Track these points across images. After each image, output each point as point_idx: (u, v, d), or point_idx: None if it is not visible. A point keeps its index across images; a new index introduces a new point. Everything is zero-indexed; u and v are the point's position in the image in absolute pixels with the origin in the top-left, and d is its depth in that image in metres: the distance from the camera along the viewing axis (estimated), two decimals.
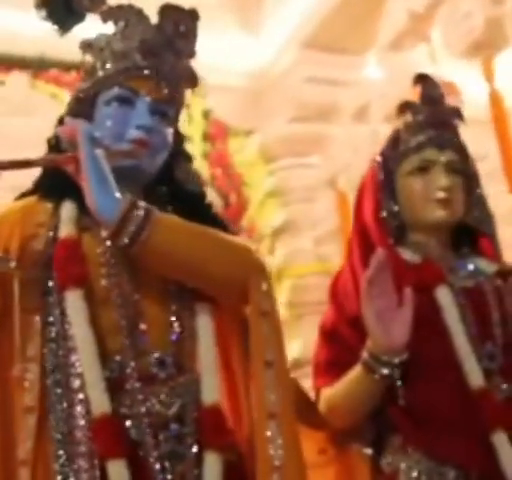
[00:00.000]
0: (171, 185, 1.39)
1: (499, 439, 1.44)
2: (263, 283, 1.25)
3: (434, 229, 1.63)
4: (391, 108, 4.52)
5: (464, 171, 1.66)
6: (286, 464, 1.15)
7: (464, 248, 1.69)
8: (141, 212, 1.18)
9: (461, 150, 1.68)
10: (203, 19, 1.39)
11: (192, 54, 1.39)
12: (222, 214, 1.45)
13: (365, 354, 1.46)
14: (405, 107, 1.70)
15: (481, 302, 1.56)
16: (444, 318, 1.50)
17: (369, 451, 1.57)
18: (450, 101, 1.75)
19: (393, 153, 1.67)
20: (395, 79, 4.36)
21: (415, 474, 1.46)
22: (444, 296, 1.52)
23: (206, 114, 5.19)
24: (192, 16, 1.37)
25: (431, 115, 1.67)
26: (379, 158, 1.68)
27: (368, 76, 4.83)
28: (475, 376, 1.47)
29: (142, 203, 1.20)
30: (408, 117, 1.69)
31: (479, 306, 1.55)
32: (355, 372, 1.49)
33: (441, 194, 1.60)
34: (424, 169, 1.63)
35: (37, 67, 4.69)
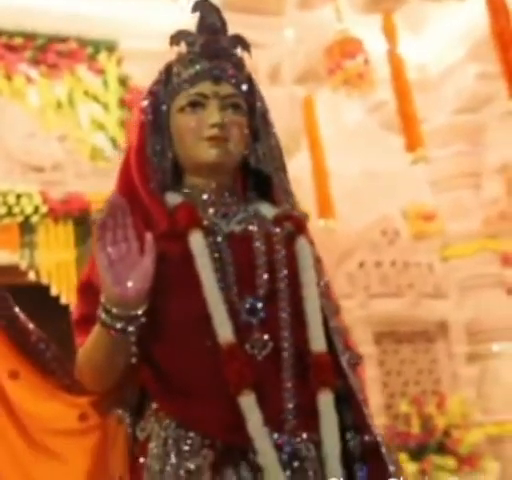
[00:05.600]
0: None
1: (247, 402, 1.27)
2: None
3: (209, 171, 1.46)
4: (300, 69, 4.29)
5: (245, 106, 1.50)
6: None
7: (250, 192, 1.53)
8: None
9: (243, 83, 1.51)
10: None
11: None
12: None
13: (100, 307, 1.31)
14: (179, 37, 1.52)
15: (246, 249, 1.39)
16: (195, 267, 1.34)
17: (127, 417, 1.42)
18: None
19: (165, 89, 1.50)
20: (304, 38, 4.19)
21: (162, 441, 1.31)
22: (195, 242, 1.35)
23: (123, 81, 4.99)
24: None
25: (207, 45, 1.48)
26: (148, 96, 1.51)
27: (284, 37, 4.66)
28: (223, 331, 1.29)
29: None
30: (182, 48, 1.51)
31: (243, 254, 1.39)
32: (95, 328, 1.34)
33: (212, 131, 1.43)
34: (198, 104, 1.46)
35: None
